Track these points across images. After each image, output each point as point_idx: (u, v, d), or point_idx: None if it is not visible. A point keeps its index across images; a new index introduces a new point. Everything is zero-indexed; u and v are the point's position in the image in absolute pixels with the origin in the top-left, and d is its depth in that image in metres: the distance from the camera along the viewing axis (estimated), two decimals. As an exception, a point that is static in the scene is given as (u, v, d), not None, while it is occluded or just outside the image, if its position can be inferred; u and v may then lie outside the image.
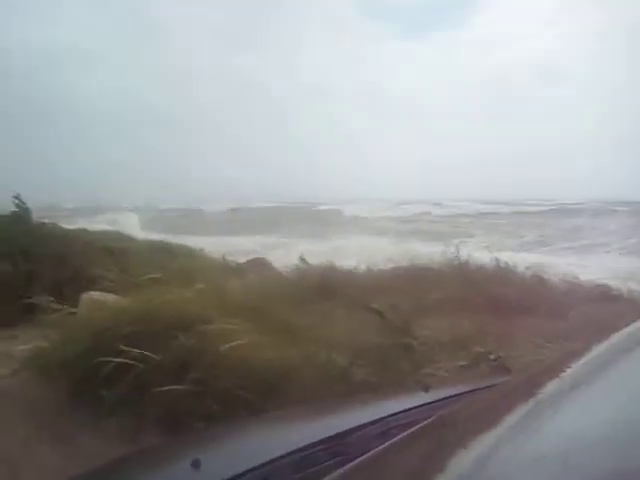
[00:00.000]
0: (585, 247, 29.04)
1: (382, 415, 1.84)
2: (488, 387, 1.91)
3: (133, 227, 21.76)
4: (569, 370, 1.27)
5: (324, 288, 7.11)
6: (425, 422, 1.40)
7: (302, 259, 9.18)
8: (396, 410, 1.88)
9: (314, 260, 9.38)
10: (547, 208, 44.36)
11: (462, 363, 4.80)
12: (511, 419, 1.10)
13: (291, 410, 3.25)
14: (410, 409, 1.88)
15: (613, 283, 8.34)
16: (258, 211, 46.57)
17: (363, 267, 8.86)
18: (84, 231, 12.59)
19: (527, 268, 8.64)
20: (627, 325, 1.41)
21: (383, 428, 1.75)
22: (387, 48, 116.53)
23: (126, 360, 4.68)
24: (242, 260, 12.11)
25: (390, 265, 8.84)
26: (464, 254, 8.81)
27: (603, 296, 7.55)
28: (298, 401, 4.10)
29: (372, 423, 1.80)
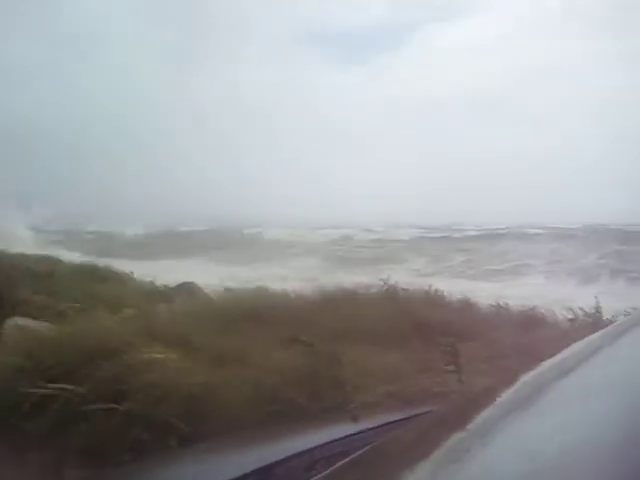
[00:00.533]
0: (513, 271, 29.75)
1: (311, 445, 1.81)
2: (419, 415, 1.91)
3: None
4: (499, 399, 1.27)
5: (254, 313, 7.05)
6: (356, 453, 1.39)
7: (231, 283, 9.13)
8: (325, 440, 1.84)
9: (241, 284, 9.35)
10: (476, 233, 45.17)
11: (392, 390, 4.79)
12: (443, 449, 1.09)
13: (221, 439, 3.20)
14: (339, 439, 1.85)
15: (539, 307, 8.51)
16: (188, 234, 46.03)
17: (292, 291, 8.83)
18: (2, 253, 12.22)
19: (456, 293, 8.76)
20: (555, 353, 1.43)
21: (312, 459, 1.72)
22: (327, 72, 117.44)
23: (50, 390, 4.54)
24: (172, 284, 11.95)
25: (318, 290, 8.82)
26: (393, 280, 8.87)
27: (530, 320, 7.69)
28: (229, 428, 4.03)
29: (301, 454, 1.77)
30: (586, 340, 1.40)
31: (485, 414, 1.21)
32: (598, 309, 7.44)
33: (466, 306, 8.32)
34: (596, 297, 7.62)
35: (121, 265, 14.06)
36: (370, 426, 1.95)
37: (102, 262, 13.91)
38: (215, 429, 4.09)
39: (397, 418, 2.04)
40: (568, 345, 1.45)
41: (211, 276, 16.20)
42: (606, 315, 7.35)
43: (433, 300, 8.28)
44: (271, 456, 1.77)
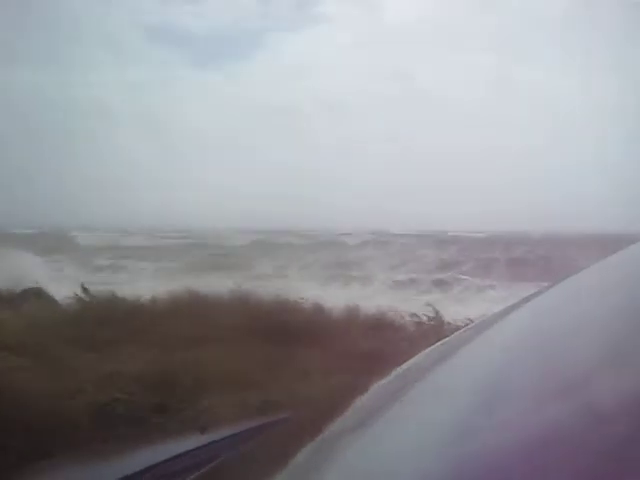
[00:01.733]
0: (361, 276, 30.56)
1: (155, 461, 1.69)
2: (272, 424, 1.85)
3: None
4: (352, 407, 1.25)
5: (106, 320, 6.81)
6: (204, 468, 1.32)
7: (84, 289, 8.71)
8: (171, 455, 1.73)
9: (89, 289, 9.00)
10: (321, 239, 45.92)
11: (244, 397, 4.72)
12: (297, 461, 1.05)
13: (65, 456, 3.01)
14: (186, 453, 1.74)
15: (387, 311, 8.74)
16: (20, 236, 43.73)
17: (143, 298, 8.60)
18: None
19: (307, 297, 8.85)
20: (405, 357, 1.42)
21: (155, 476, 1.61)
22: (174, 76, 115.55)
23: None
24: (16, 289, 11.31)
25: (169, 296, 8.65)
26: (244, 284, 8.88)
27: (379, 324, 7.88)
28: (74, 444, 3.82)
29: (143, 472, 1.65)
30: (434, 346, 1.40)
31: (338, 423, 1.18)
32: (439, 313, 7.80)
33: (317, 310, 8.42)
34: (447, 301, 7.99)
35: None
36: (220, 437, 1.86)
37: None
38: (60, 445, 3.86)
39: (250, 427, 1.96)
40: (417, 348, 1.46)
41: (55, 281, 15.54)
42: (447, 319, 7.72)
43: (285, 305, 8.31)
44: (113, 474, 1.66)
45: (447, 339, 1.41)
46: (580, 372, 0.77)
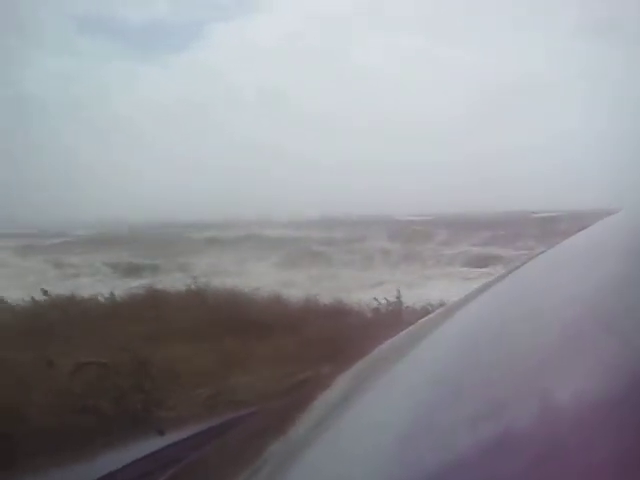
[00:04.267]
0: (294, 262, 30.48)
1: (115, 467, 1.61)
2: (236, 420, 1.81)
3: None
4: (317, 402, 1.23)
5: (63, 321, 6.69)
6: (168, 472, 1.28)
7: (43, 290, 8.48)
8: (130, 460, 1.65)
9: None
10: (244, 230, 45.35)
11: (204, 394, 4.64)
12: (265, 459, 1.03)
13: (17, 466, 2.92)
14: (144, 458, 1.66)
15: (345, 298, 8.76)
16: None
17: (100, 296, 8.49)
18: None
19: (258, 289, 8.87)
20: (366, 347, 1.41)
21: None
22: (109, 67, 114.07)
23: None
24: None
25: (124, 292, 8.57)
26: (200, 279, 8.86)
27: (338, 312, 7.86)
28: (28, 451, 3.70)
29: (105, 477, 1.59)
30: (396, 337, 1.38)
31: (302, 420, 1.16)
32: (399, 297, 7.79)
33: (275, 301, 8.40)
34: (401, 287, 8.01)
35: None
36: (181, 438, 1.79)
37: None
38: (16, 452, 3.76)
39: (213, 425, 1.91)
40: (378, 336, 1.44)
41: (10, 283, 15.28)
42: (406, 303, 7.73)
43: (242, 296, 8.29)
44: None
45: (408, 329, 1.39)
46: (535, 364, 0.76)
